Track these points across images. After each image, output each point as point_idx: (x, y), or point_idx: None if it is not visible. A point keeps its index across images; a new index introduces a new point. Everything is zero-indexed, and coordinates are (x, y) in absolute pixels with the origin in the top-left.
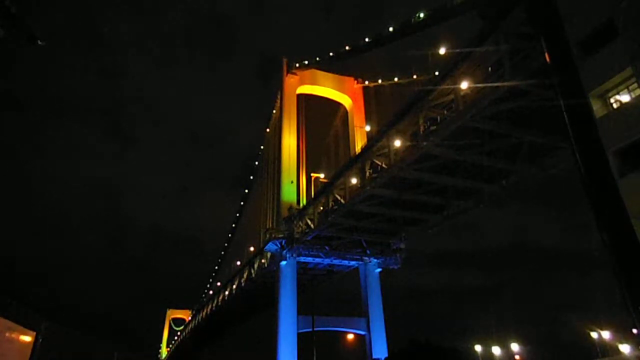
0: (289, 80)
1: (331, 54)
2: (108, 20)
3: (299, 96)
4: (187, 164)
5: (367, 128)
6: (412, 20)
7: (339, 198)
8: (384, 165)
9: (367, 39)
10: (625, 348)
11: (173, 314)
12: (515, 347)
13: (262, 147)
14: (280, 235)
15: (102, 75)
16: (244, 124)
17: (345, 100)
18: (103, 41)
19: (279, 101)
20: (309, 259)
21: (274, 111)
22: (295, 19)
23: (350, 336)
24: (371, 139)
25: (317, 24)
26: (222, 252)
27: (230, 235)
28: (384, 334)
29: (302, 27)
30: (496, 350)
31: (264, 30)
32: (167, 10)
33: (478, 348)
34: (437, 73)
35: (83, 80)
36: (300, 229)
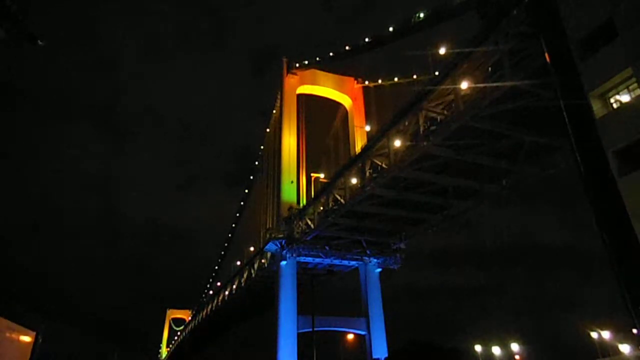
0: (289, 80)
1: (331, 53)
2: (99, 14)
3: (299, 96)
4: (182, 159)
5: (367, 128)
6: (412, 20)
7: (339, 198)
8: (384, 165)
9: (367, 39)
10: (625, 348)
11: (173, 314)
12: (515, 347)
13: (262, 147)
14: (280, 235)
15: (94, 70)
16: (239, 118)
17: (345, 100)
18: (94, 35)
19: (279, 101)
20: (309, 259)
21: (274, 111)
22: (292, 10)
23: (350, 336)
24: (371, 139)
25: (316, 14)
26: (222, 252)
27: (230, 235)
28: (384, 334)
29: (299, 18)
30: (496, 350)
31: (259, 22)
32: (159, 1)
33: (478, 348)
34: (437, 73)
35: (75, 76)
36: (300, 229)
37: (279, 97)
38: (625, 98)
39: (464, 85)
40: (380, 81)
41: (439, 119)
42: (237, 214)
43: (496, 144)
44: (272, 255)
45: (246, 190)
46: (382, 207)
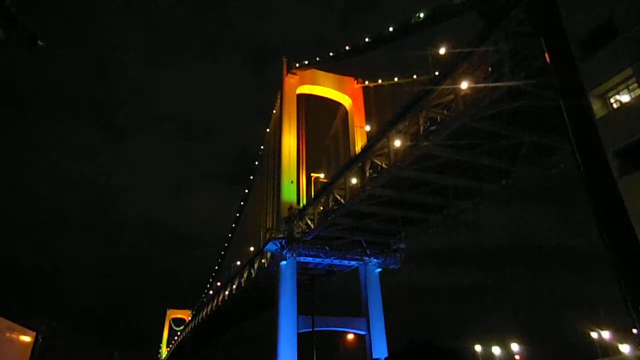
0: (289, 80)
1: (331, 53)
2: (99, 12)
3: (299, 96)
4: (182, 159)
5: (367, 128)
6: (412, 20)
7: (339, 198)
8: (384, 165)
9: (367, 39)
10: (625, 348)
11: (173, 314)
12: (515, 347)
13: (262, 147)
14: (280, 235)
15: (93, 69)
16: (239, 118)
17: (345, 100)
18: (93, 34)
19: (278, 101)
20: (309, 259)
21: (274, 111)
22: (292, 9)
23: (350, 336)
24: (371, 139)
25: (316, 13)
26: (222, 252)
27: (230, 235)
28: (384, 334)
29: (299, 17)
30: (496, 350)
31: (259, 21)
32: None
33: (478, 348)
34: (437, 73)
35: (73, 75)
36: (300, 229)
37: (278, 97)
38: (625, 98)
39: (464, 85)
40: (380, 81)
41: (439, 119)
42: (237, 214)
43: (496, 144)
44: (272, 255)
45: (246, 190)
46: (382, 207)
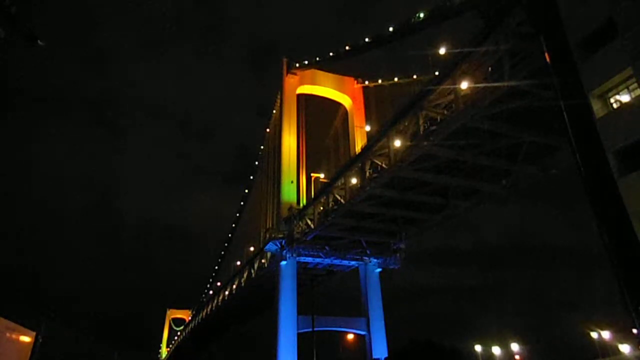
0: (289, 80)
1: (331, 53)
2: (96, 9)
3: (299, 96)
4: (181, 158)
5: (367, 128)
6: (412, 20)
7: (339, 198)
8: (384, 165)
9: (367, 39)
10: (625, 348)
11: (173, 314)
12: (515, 347)
13: (262, 146)
14: (280, 235)
15: (91, 66)
16: (239, 117)
17: (345, 100)
18: (92, 30)
19: (279, 101)
20: (309, 259)
21: (274, 111)
22: (292, 7)
23: (350, 336)
24: (371, 139)
25: (316, 11)
26: (222, 252)
27: (230, 235)
28: (384, 334)
29: (299, 15)
30: (496, 350)
31: (259, 19)
32: None
33: (478, 348)
34: (437, 73)
35: (71, 72)
36: (300, 229)
37: (278, 97)
38: (625, 98)
39: (464, 85)
40: (380, 81)
41: (439, 119)
42: (237, 214)
43: (496, 144)
44: (272, 255)
45: (246, 190)
46: (382, 207)
